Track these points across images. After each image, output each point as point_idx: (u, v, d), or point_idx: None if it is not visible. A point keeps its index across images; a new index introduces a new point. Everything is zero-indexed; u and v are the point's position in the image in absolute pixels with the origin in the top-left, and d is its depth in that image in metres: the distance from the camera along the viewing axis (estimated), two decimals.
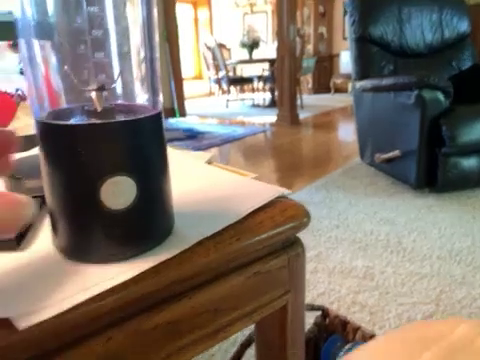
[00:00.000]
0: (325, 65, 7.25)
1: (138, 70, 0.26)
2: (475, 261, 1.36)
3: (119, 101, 0.27)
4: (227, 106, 6.02)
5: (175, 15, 5.03)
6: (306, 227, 0.34)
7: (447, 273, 1.30)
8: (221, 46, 6.09)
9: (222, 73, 5.86)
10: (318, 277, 1.30)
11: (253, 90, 6.55)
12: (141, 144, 0.23)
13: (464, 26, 2.53)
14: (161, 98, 0.26)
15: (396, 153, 2.03)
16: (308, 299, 1.18)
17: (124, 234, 0.24)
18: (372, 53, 2.35)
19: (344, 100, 5.81)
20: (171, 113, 5.14)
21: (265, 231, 0.31)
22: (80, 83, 0.25)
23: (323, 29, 7.41)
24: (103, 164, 0.22)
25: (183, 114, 5.27)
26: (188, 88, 5.97)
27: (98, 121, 0.22)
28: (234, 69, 6.83)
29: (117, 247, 0.25)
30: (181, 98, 5.28)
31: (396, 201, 1.93)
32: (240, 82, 6.61)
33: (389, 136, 2.15)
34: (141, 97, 0.27)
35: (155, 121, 0.25)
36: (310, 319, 0.86)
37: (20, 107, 0.61)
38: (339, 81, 7.03)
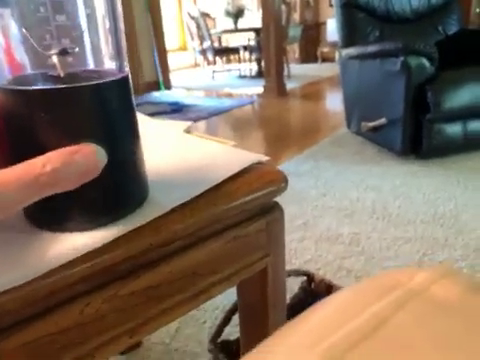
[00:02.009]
0: (312, 33, 7.12)
1: (102, 32, 0.25)
2: (457, 224, 1.40)
3: (86, 66, 0.26)
4: (213, 78, 5.91)
5: None
6: (283, 192, 0.35)
7: (430, 236, 1.34)
8: (205, 15, 5.91)
9: (207, 44, 5.72)
10: (305, 245, 1.33)
11: (239, 61, 6.43)
12: (107, 109, 0.23)
13: None
14: (126, 62, 0.25)
15: (382, 121, 2.04)
16: (295, 266, 1.20)
17: (94, 202, 0.24)
18: (358, 19, 2.31)
19: (331, 69, 5.74)
20: (156, 86, 5.04)
21: (241, 196, 0.31)
22: (43, 48, 0.24)
23: None
24: (66, 130, 0.22)
25: (168, 87, 5.17)
26: (172, 60, 5.83)
27: (58, 86, 0.21)
28: (219, 39, 6.67)
29: (88, 215, 0.25)
30: (166, 70, 5.17)
31: (382, 168, 1.95)
32: (226, 53, 6.47)
33: (375, 104, 2.14)
34: (108, 60, 0.26)
35: (121, 85, 0.24)
36: (296, 285, 0.88)
37: None
38: (326, 50, 6.93)
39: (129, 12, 4.62)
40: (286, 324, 0.16)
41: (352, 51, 2.25)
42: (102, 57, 0.26)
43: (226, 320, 0.67)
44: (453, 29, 2.46)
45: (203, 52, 5.96)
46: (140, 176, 0.27)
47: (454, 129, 1.91)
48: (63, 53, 0.23)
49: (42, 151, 0.21)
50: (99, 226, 0.25)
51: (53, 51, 0.23)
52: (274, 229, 0.35)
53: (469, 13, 3.91)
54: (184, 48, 7.78)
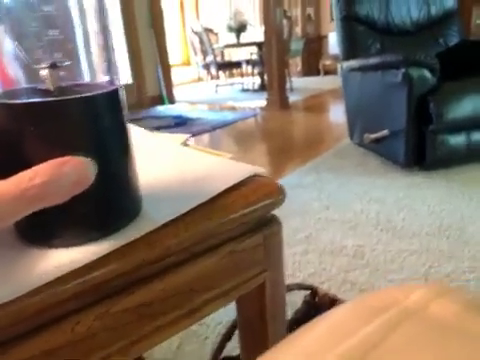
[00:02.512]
0: (314, 47, 7.19)
1: (94, 46, 0.25)
2: (463, 236, 1.38)
3: (78, 80, 0.26)
4: (216, 91, 5.96)
5: (159, 1, 4.93)
6: (281, 205, 0.34)
7: (436, 248, 1.32)
8: (208, 30, 6.00)
9: (210, 58, 5.79)
10: (308, 258, 1.31)
11: (242, 74, 6.49)
12: (96, 122, 0.23)
13: (450, 2, 2.51)
14: (118, 75, 0.25)
15: (384, 132, 2.03)
16: (299, 280, 1.19)
17: (85, 216, 0.24)
18: (358, 32, 2.33)
19: (333, 82, 5.78)
20: (159, 100, 5.08)
21: (237, 210, 0.31)
22: (34, 62, 0.24)
23: (311, 10, 7.32)
24: (55, 143, 0.21)
25: (172, 101, 5.21)
26: (176, 75, 5.90)
27: (45, 99, 0.21)
28: (222, 54, 6.75)
29: (78, 230, 0.24)
30: (169, 85, 5.22)
31: (385, 180, 1.94)
32: (228, 67, 6.54)
33: (377, 116, 2.14)
34: (100, 76, 0.26)
35: (110, 98, 0.24)
36: (299, 299, 0.86)
37: None
38: (328, 63, 6.99)
39: (133, 28, 4.69)
40: (277, 344, 0.15)
41: (353, 63, 2.26)
42: (94, 71, 0.26)
43: (227, 336, 0.66)
44: (454, 40, 2.47)
45: (206, 66, 6.02)
46: (132, 189, 0.27)
47: (457, 140, 1.90)
48: (53, 67, 0.23)
49: (31, 165, 0.20)
50: (90, 241, 0.24)
51: (43, 65, 0.23)
52: (272, 243, 0.34)
53: (470, 24, 3.94)
54: (187, 63, 7.87)
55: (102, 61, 0.25)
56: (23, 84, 0.25)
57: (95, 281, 0.24)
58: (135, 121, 3.83)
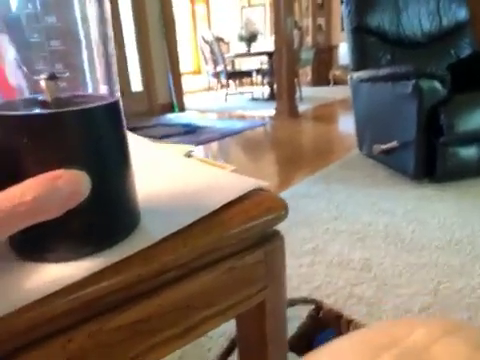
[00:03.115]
0: (324, 57, 7.20)
1: (95, 59, 0.25)
2: (474, 251, 1.35)
3: (79, 91, 0.25)
4: (226, 100, 5.99)
5: (172, 10, 4.99)
6: (283, 220, 0.33)
7: (446, 263, 1.29)
8: (219, 40, 6.05)
9: (220, 67, 5.83)
10: (315, 270, 1.29)
11: (252, 83, 6.52)
12: (94, 135, 0.22)
13: (462, 13, 2.49)
14: (118, 87, 0.25)
15: (394, 144, 2.01)
16: (305, 292, 1.17)
17: (81, 231, 0.23)
18: (369, 43, 2.32)
19: (343, 92, 5.76)
20: (170, 108, 5.12)
21: (238, 225, 0.30)
22: (35, 73, 0.24)
23: (322, 20, 7.35)
24: (51, 156, 0.21)
25: (182, 109, 5.25)
26: (187, 83, 5.94)
27: (41, 111, 0.21)
28: (232, 63, 6.79)
29: (74, 244, 0.23)
30: (180, 93, 5.26)
31: (395, 192, 1.92)
32: (239, 76, 6.58)
33: (387, 127, 2.13)
34: (101, 87, 0.26)
35: (110, 110, 0.23)
36: (304, 312, 0.85)
37: None
38: (338, 73, 6.99)
39: (145, 36, 4.76)
40: None
41: (363, 74, 2.25)
42: (94, 82, 0.25)
43: (229, 350, 0.64)
44: (465, 52, 2.45)
45: (216, 75, 6.07)
46: (130, 203, 0.26)
47: (469, 152, 1.88)
48: (52, 78, 0.23)
49: (25, 179, 0.20)
50: (84, 256, 0.24)
51: (42, 76, 0.23)
52: (273, 260, 0.33)
53: None
54: (198, 71, 7.94)
55: (103, 72, 0.25)
56: (25, 94, 0.25)
57: (88, 297, 0.23)
58: (145, 128, 3.85)
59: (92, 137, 0.22)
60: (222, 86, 6.30)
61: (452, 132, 1.80)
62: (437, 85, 1.81)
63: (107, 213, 0.24)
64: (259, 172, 2.41)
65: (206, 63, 6.21)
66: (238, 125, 4.01)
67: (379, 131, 2.23)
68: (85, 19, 0.25)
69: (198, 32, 7.54)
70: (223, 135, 3.59)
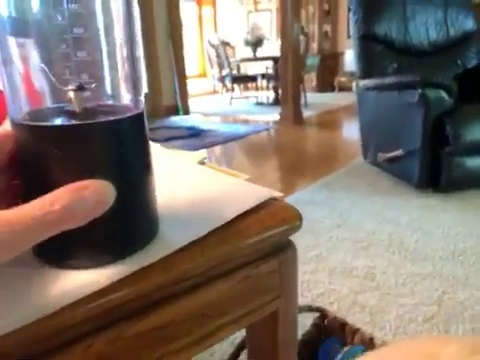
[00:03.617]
0: (329, 63, 7.22)
1: (121, 69, 0.25)
2: (478, 262, 1.35)
3: (103, 101, 0.26)
4: (231, 104, 6.01)
5: (179, 13, 5.02)
6: (298, 231, 0.33)
7: (450, 274, 1.29)
8: (225, 44, 6.08)
9: (226, 71, 5.85)
10: (318, 277, 1.29)
11: (257, 88, 6.54)
12: (120, 145, 0.23)
13: (469, 24, 2.50)
14: (143, 98, 0.25)
15: (399, 152, 2.02)
16: (308, 300, 1.17)
17: (104, 239, 0.24)
18: (376, 51, 2.33)
19: (348, 99, 5.77)
20: (174, 111, 5.14)
21: (254, 235, 0.30)
22: (62, 83, 0.24)
23: (328, 27, 7.38)
24: (80, 167, 0.21)
25: (187, 112, 5.26)
26: (192, 86, 5.97)
27: (73, 122, 0.21)
28: (238, 67, 6.82)
29: (97, 252, 0.24)
30: (185, 96, 5.28)
31: (399, 201, 1.91)
32: (244, 80, 6.60)
33: (392, 135, 2.13)
34: (125, 97, 0.26)
35: (136, 121, 0.24)
36: (309, 320, 0.85)
37: None
38: (343, 79, 7.00)
39: (151, 38, 4.78)
40: None
41: (370, 82, 2.26)
42: (119, 92, 0.26)
43: (234, 357, 0.64)
44: (472, 62, 2.45)
45: (222, 79, 6.09)
46: (151, 213, 0.26)
47: (475, 162, 1.87)
48: (80, 89, 0.23)
49: (54, 188, 0.20)
50: (106, 263, 0.24)
51: (70, 87, 0.23)
52: (287, 269, 0.34)
53: None
54: (204, 75, 7.97)
55: (127, 83, 0.25)
56: (48, 100, 0.26)
57: (109, 305, 0.24)
58: (149, 130, 3.86)
59: (119, 147, 0.23)
60: (227, 90, 6.32)
61: (458, 142, 1.80)
62: (444, 95, 1.82)
63: (129, 222, 0.24)
64: (263, 178, 2.41)
65: (212, 67, 6.24)
66: (242, 129, 4.02)
67: (384, 139, 2.23)
68: (112, 30, 0.25)
69: (204, 36, 7.58)
70: (227, 139, 3.60)
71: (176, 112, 5.16)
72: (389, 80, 2.08)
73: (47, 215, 0.19)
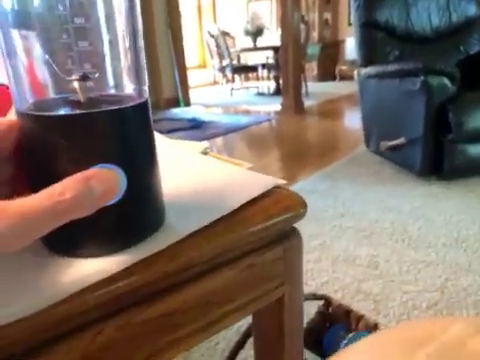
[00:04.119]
0: (330, 52, 7.16)
1: (123, 58, 0.25)
2: None
3: (106, 91, 0.26)
4: (231, 95, 5.98)
5: (177, 3, 4.97)
6: (302, 218, 0.34)
7: (453, 261, 1.29)
8: (225, 34, 6.03)
9: (226, 61, 5.81)
10: (322, 266, 1.30)
11: (258, 78, 6.50)
12: (126, 134, 0.23)
13: (472, 9, 2.47)
14: (146, 87, 0.25)
15: (401, 140, 2.01)
16: (312, 288, 1.18)
17: (112, 227, 0.24)
18: (377, 39, 2.31)
19: (349, 87, 5.73)
20: (175, 102, 5.12)
21: (259, 223, 0.30)
22: (64, 73, 0.24)
23: (328, 15, 7.30)
24: (86, 156, 0.22)
25: (187, 103, 5.25)
26: (192, 77, 5.94)
27: (79, 111, 0.21)
28: (238, 57, 6.77)
29: (105, 240, 0.24)
30: (185, 87, 5.26)
31: (401, 189, 1.91)
32: (244, 70, 6.56)
33: (394, 123, 2.12)
34: (128, 85, 0.26)
35: (140, 110, 0.24)
36: (313, 308, 0.86)
37: None
38: (344, 68, 6.95)
39: (150, 29, 4.75)
40: None
41: (371, 70, 2.24)
42: (122, 82, 0.26)
43: (240, 344, 0.65)
44: (475, 48, 2.42)
45: (222, 70, 6.05)
46: (157, 201, 0.27)
47: (477, 150, 1.87)
48: (84, 78, 0.23)
49: (61, 177, 0.21)
50: (115, 251, 0.24)
51: (74, 76, 0.23)
52: (291, 256, 0.34)
53: None
54: (204, 66, 7.92)
55: (130, 72, 0.25)
56: (51, 91, 0.26)
57: (118, 292, 0.24)
58: None
59: (125, 136, 0.23)
60: (228, 81, 6.29)
61: (461, 129, 1.79)
62: (446, 82, 1.80)
63: (137, 210, 0.24)
64: (265, 168, 2.41)
65: (212, 57, 6.20)
66: (244, 120, 4.01)
67: (386, 128, 2.22)
68: (113, 20, 0.25)
69: (204, 26, 7.51)
70: (228, 130, 3.59)
71: (177, 104, 5.14)
72: (391, 68, 2.07)
73: (57, 205, 0.19)
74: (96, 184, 0.21)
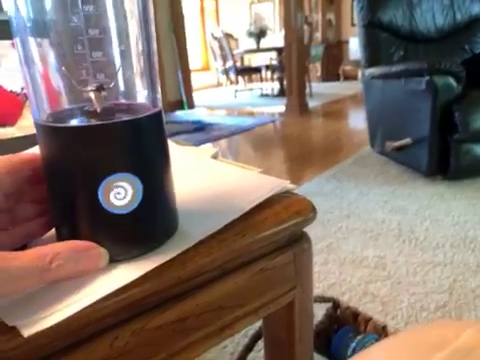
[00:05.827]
0: (334, 52, 7.15)
1: (137, 68, 0.26)
2: None
3: (120, 100, 0.26)
4: (235, 96, 5.99)
5: (181, 5, 4.99)
6: (312, 222, 0.34)
7: (461, 261, 1.28)
8: (228, 36, 6.04)
9: (229, 63, 5.82)
10: (329, 268, 1.30)
11: (261, 80, 6.50)
12: (142, 144, 0.23)
13: (476, 8, 2.45)
14: (160, 95, 0.26)
15: (407, 141, 2.00)
16: (319, 290, 1.18)
17: (128, 235, 0.24)
18: (381, 39, 2.30)
19: (353, 87, 5.73)
20: (179, 105, 5.14)
21: (269, 227, 0.31)
22: (79, 83, 0.25)
23: (331, 15, 7.29)
24: (104, 165, 0.22)
25: (191, 106, 5.26)
26: (196, 80, 5.95)
27: (97, 122, 0.22)
28: (242, 59, 6.79)
29: (121, 248, 0.25)
30: (189, 90, 5.27)
31: (408, 189, 1.91)
32: (248, 72, 6.56)
33: (400, 124, 2.11)
34: (141, 95, 0.27)
35: (155, 119, 0.24)
36: (321, 310, 0.86)
37: (26, 106, 0.61)
38: (348, 68, 6.93)
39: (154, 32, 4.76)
40: None
41: (375, 71, 2.24)
42: (136, 92, 0.26)
43: (249, 348, 0.66)
44: None
45: (226, 72, 6.06)
46: (171, 208, 0.27)
47: None
48: (99, 89, 0.24)
49: (79, 188, 0.21)
50: (132, 258, 0.25)
51: (90, 87, 0.24)
52: (302, 260, 0.34)
53: None
54: (207, 68, 7.94)
55: (144, 82, 0.26)
56: (66, 102, 0.26)
57: (133, 298, 0.25)
58: None
59: (141, 145, 0.23)
60: (231, 82, 6.30)
61: (467, 129, 1.78)
62: (452, 81, 1.80)
63: (152, 217, 0.25)
64: (270, 170, 2.41)
65: (215, 59, 6.21)
66: (248, 122, 4.01)
67: (392, 128, 2.21)
68: (126, 30, 0.26)
69: (207, 28, 7.53)
70: (233, 132, 3.60)
71: (181, 106, 5.16)
72: (395, 68, 2.06)
73: (44, 271, 0.21)
74: (84, 259, 0.23)
